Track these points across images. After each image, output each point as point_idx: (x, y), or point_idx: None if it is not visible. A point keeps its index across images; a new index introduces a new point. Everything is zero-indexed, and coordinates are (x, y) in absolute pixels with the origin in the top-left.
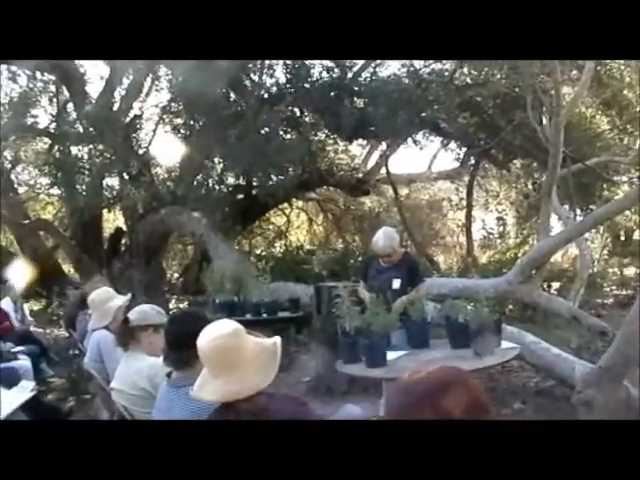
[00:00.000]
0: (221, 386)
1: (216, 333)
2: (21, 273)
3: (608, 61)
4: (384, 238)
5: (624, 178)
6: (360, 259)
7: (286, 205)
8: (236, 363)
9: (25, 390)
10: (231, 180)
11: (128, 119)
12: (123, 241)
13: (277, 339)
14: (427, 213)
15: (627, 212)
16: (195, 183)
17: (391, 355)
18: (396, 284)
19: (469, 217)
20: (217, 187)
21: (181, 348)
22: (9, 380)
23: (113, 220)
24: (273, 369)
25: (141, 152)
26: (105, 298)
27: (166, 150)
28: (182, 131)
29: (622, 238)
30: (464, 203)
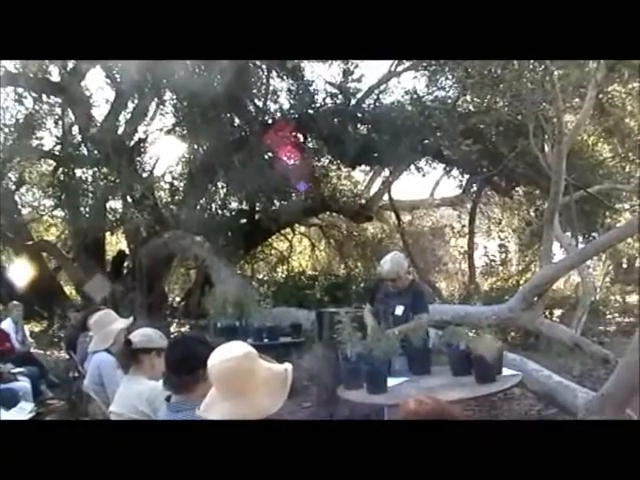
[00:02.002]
0: (229, 408)
1: (229, 354)
2: (23, 294)
3: (610, 89)
4: (390, 262)
5: (626, 206)
6: (362, 285)
7: (289, 230)
8: (247, 386)
9: (24, 411)
10: (234, 205)
11: (132, 142)
12: (125, 264)
13: (288, 366)
14: (429, 240)
15: (629, 240)
16: (198, 207)
17: (392, 381)
18: (399, 310)
19: (471, 244)
20: (220, 211)
21: (181, 372)
22: (8, 401)
23: (116, 243)
24: (283, 395)
25: (145, 175)
26: (107, 321)
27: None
28: (186, 155)
29: (624, 265)
30: (466, 230)
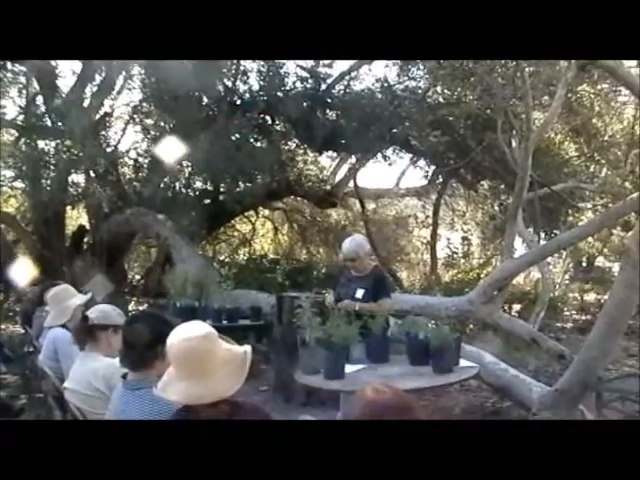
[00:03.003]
0: (187, 388)
1: (190, 334)
2: None
3: (579, 89)
4: (350, 242)
5: (589, 205)
6: (324, 271)
7: (252, 213)
8: (206, 367)
9: None
10: (199, 184)
11: (98, 116)
12: (86, 239)
13: (248, 348)
14: (393, 229)
15: (590, 239)
16: (162, 185)
17: (350, 368)
18: (359, 294)
19: (434, 235)
20: (184, 191)
21: (139, 348)
22: None
23: (77, 218)
24: (241, 377)
25: (109, 150)
26: (64, 296)
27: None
28: (152, 132)
29: (584, 264)
30: (430, 221)
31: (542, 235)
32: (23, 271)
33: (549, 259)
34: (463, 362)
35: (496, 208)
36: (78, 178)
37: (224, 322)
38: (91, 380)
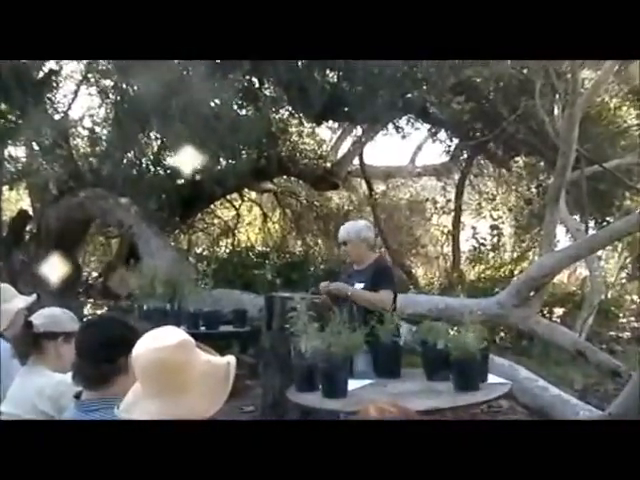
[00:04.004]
0: (158, 408)
1: (160, 343)
2: None
3: None
4: (347, 224)
5: None
6: (323, 267)
7: (236, 196)
8: (180, 382)
9: None
10: (170, 161)
11: (42, 74)
12: (28, 227)
13: (231, 359)
14: (406, 216)
15: None
16: (125, 162)
17: (353, 384)
18: (357, 288)
19: (457, 223)
20: (152, 168)
21: (97, 361)
22: None
23: (16, 201)
24: (223, 395)
25: (57, 118)
26: (2, 298)
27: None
28: (111, 96)
29: None
30: (452, 206)
31: (591, 223)
32: None
33: (599, 252)
34: (492, 378)
35: (533, 190)
36: (17, 152)
37: (202, 328)
38: (35, 401)
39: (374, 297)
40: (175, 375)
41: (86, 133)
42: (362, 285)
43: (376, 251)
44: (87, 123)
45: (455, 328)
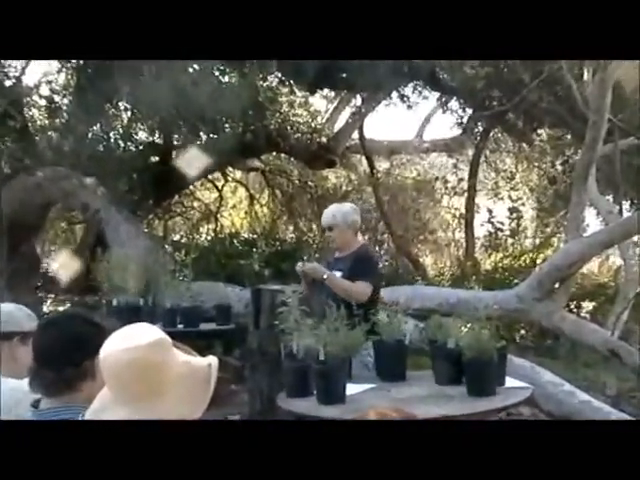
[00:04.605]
0: (129, 416)
1: (132, 342)
2: None
3: None
4: (333, 208)
5: None
6: (318, 256)
7: (218, 175)
8: (155, 387)
9: None
10: (142, 136)
11: None
12: None
13: (213, 360)
14: (413, 197)
15: None
16: (90, 136)
17: (353, 389)
18: None
19: (471, 206)
20: (122, 144)
21: (58, 364)
22: None
23: None
24: (204, 401)
25: (9, 84)
26: None
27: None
28: (73, 59)
29: None
30: (465, 186)
31: (625, 204)
32: None
33: (635, 238)
34: (510, 381)
35: (558, 167)
36: None
37: (180, 326)
38: None
39: (350, 287)
40: (149, 378)
41: (44, 103)
42: (340, 274)
43: (365, 238)
44: (44, 91)
45: (468, 325)
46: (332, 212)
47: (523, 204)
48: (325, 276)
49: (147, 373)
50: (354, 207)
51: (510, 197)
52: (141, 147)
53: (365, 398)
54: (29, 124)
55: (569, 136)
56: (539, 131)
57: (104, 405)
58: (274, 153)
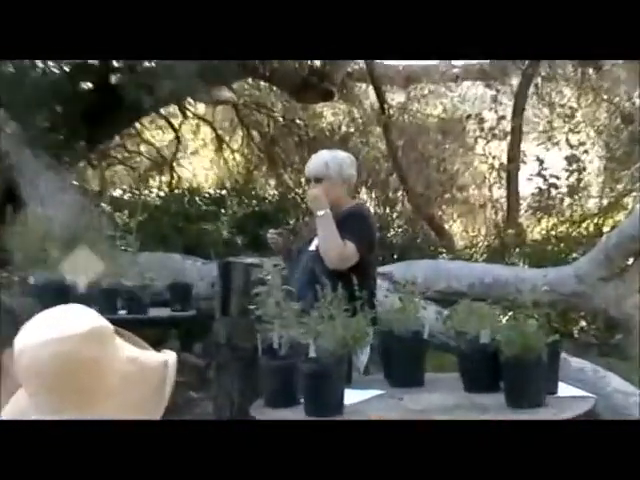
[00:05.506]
0: None
1: (59, 331)
2: None
3: None
4: (325, 155)
5: None
6: (308, 218)
7: (174, 110)
8: (91, 390)
9: None
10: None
11: None
12: None
13: (171, 356)
14: (437, 142)
15: None
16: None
17: (354, 396)
18: (314, 244)
19: (515, 154)
20: (43, 66)
21: None
22: None
23: None
24: (156, 410)
25: None
26: None
27: None
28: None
29: None
30: (507, 127)
31: None
32: None
33: None
34: (565, 389)
35: (636, 101)
36: None
37: (121, 312)
38: None
39: (328, 241)
40: (82, 380)
41: None
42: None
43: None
44: None
45: (509, 313)
46: (324, 159)
47: (586, 152)
48: (322, 212)
49: (80, 373)
50: (351, 157)
51: (568, 142)
52: (68, 69)
53: (369, 409)
54: None
55: None
56: None
57: (22, 410)
58: (250, 80)
